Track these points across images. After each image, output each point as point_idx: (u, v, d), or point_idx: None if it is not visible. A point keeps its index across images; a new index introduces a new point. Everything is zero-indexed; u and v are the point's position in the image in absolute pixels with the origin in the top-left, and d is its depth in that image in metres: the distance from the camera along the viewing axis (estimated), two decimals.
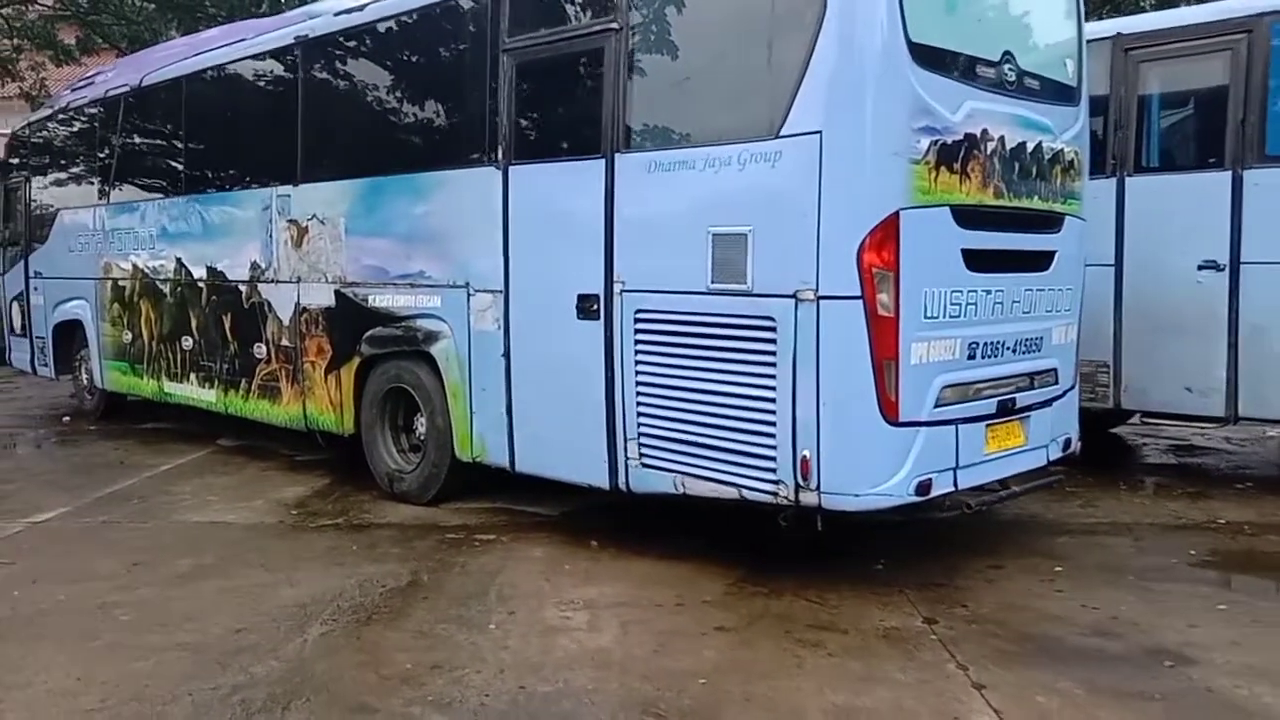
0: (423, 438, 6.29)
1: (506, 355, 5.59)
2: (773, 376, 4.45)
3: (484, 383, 5.74)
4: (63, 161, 10.25)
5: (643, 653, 4.02)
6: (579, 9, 5.42)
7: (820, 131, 4.29)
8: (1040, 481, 5.25)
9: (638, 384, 4.97)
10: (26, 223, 10.71)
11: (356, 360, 6.59)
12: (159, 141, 8.92)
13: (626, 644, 4.11)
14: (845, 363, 4.30)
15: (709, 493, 4.77)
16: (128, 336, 8.97)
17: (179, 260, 8.24)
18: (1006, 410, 4.88)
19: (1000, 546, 5.33)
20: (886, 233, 4.27)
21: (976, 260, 4.63)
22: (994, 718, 3.47)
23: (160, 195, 8.60)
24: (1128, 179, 6.70)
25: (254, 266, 7.42)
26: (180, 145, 8.49)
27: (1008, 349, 4.87)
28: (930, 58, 4.43)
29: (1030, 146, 4.88)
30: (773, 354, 4.44)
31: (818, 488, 4.35)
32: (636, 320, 4.95)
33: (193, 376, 8.19)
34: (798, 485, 4.40)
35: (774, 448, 4.46)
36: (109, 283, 9.18)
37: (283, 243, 7.13)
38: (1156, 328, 6.53)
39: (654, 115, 5.02)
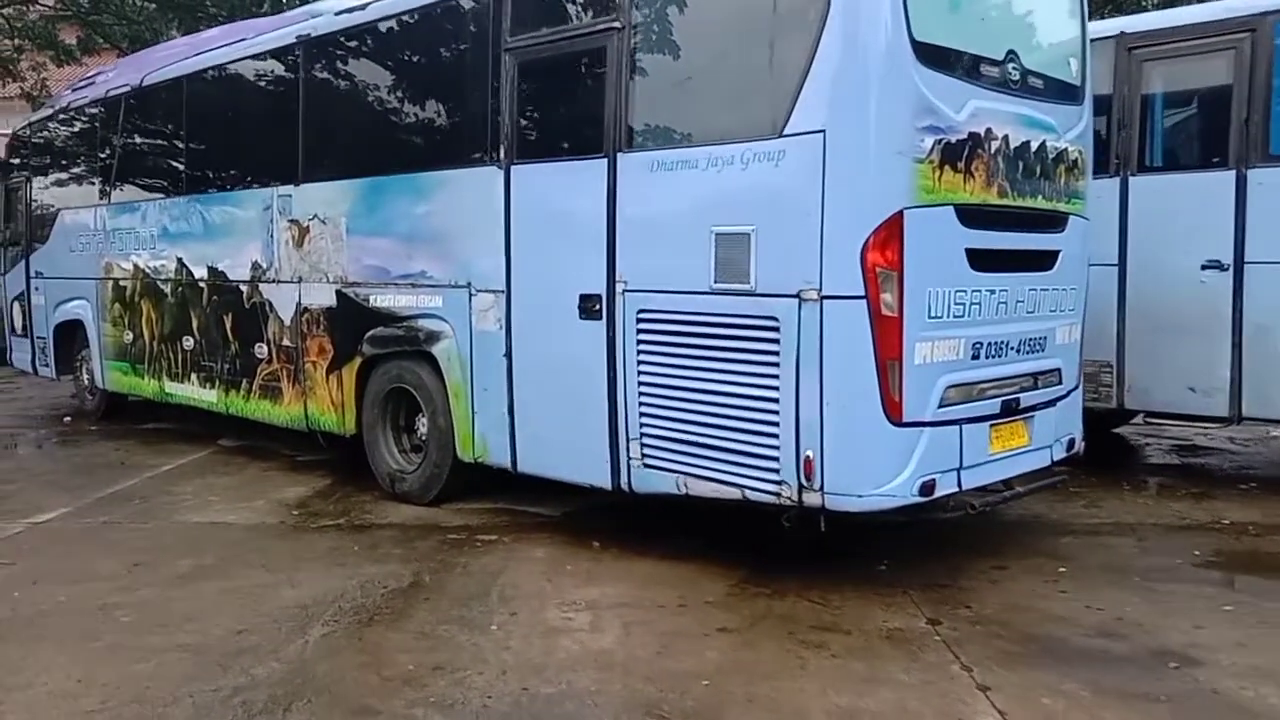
0: (424, 438, 6.28)
1: (508, 355, 5.58)
2: (776, 377, 4.43)
3: (486, 383, 5.73)
4: (64, 161, 10.25)
5: (645, 654, 4.01)
6: (581, 8, 5.41)
7: (824, 130, 4.27)
8: (1044, 482, 5.24)
9: (640, 384, 4.95)
10: (27, 223, 10.71)
11: (358, 360, 6.58)
12: (160, 141, 8.92)
13: (629, 645, 4.09)
14: (849, 363, 4.29)
15: (711, 493, 4.76)
16: (129, 337, 8.96)
17: (180, 260, 8.23)
18: (1010, 410, 4.87)
19: (1004, 547, 5.31)
20: (890, 232, 4.26)
21: (980, 260, 4.62)
22: (999, 719, 3.45)
23: (161, 195, 8.59)
24: (1131, 178, 6.69)
25: (255, 266, 7.41)
26: (181, 145, 8.48)
27: (1011, 349, 4.86)
28: (934, 57, 4.42)
29: (1034, 146, 4.87)
30: (776, 354, 4.43)
31: (821, 488, 4.34)
32: (639, 320, 4.94)
33: (194, 377, 8.18)
34: (801, 486, 4.38)
35: (777, 448, 4.45)
36: (110, 283, 9.17)
37: (284, 243, 7.12)
38: (1160, 327, 6.52)
39: (656, 114, 5.00)
